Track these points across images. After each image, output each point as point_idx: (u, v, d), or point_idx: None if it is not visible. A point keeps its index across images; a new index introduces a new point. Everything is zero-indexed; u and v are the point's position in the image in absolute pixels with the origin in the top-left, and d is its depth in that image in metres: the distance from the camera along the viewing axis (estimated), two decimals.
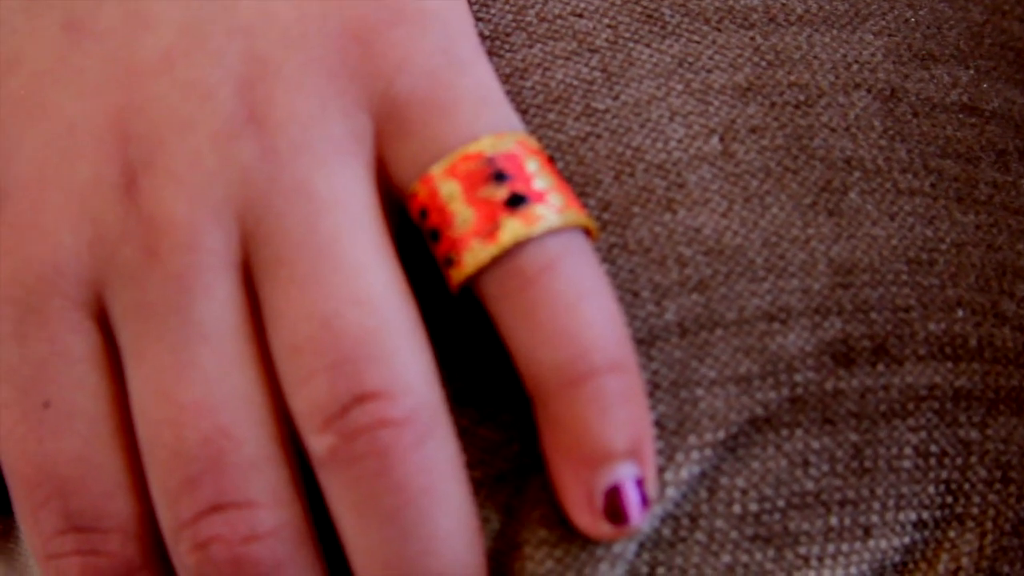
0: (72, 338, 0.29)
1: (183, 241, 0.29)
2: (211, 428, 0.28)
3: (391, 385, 0.28)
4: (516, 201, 0.29)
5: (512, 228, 0.29)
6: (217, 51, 0.30)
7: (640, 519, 0.29)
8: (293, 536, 0.29)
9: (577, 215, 0.29)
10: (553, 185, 0.29)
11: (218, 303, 0.29)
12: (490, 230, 0.29)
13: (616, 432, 0.29)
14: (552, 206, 0.29)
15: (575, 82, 0.34)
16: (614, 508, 0.29)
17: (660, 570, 0.31)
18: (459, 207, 0.29)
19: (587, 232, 0.30)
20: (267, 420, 0.29)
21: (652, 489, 0.29)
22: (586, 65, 0.34)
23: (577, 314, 0.29)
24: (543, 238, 0.29)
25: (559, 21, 0.35)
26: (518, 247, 0.29)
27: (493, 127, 0.30)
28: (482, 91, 0.30)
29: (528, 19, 0.35)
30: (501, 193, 0.29)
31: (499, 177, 0.29)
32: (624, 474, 0.29)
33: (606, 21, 0.35)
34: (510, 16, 0.35)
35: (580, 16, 0.35)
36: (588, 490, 0.29)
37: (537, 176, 0.29)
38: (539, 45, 0.34)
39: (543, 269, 0.29)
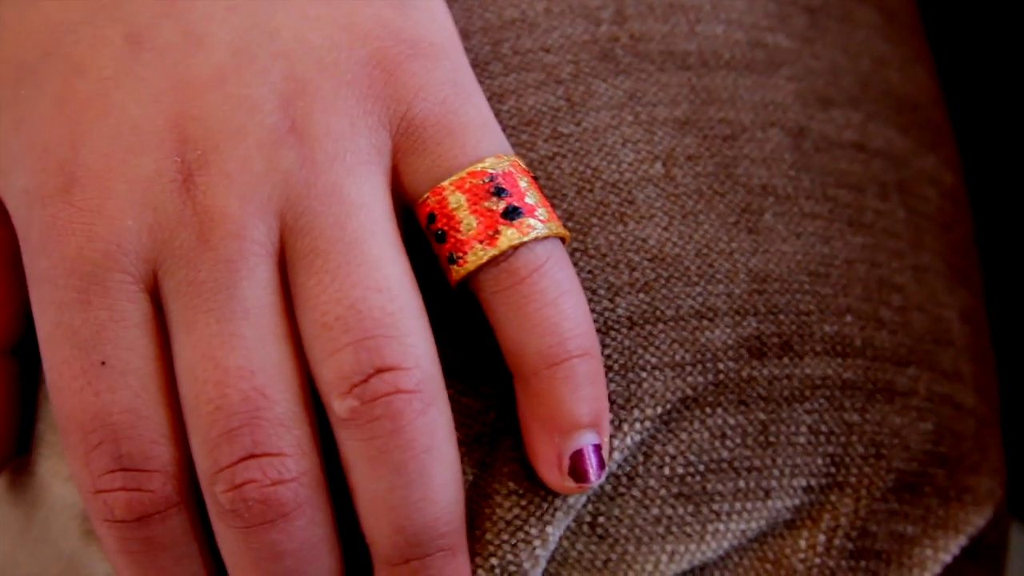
0: (128, 307, 0.32)
1: (232, 231, 0.32)
2: (250, 389, 0.32)
3: (405, 360, 0.31)
4: (512, 213, 0.33)
5: (509, 235, 0.33)
6: (262, 71, 0.33)
7: (597, 479, 0.33)
8: (312, 482, 0.32)
9: (558, 227, 0.33)
10: (540, 201, 0.33)
11: (259, 285, 0.32)
12: (490, 236, 0.33)
13: (583, 407, 0.33)
14: (540, 218, 0.33)
15: (544, 108, 0.37)
16: (577, 469, 0.33)
17: (601, 519, 0.35)
18: (464, 215, 0.33)
19: (562, 240, 0.34)
20: (295, 386, 0.32)
21: (607, 454, 0.34)
22: (553, 94, 0.38)
23: (557, 308, 0.33)
24: (533, 244, 0.33)
25: (530, 55, 0.38)
26: (512, 251, 0.33)
27: (493, 150, 0.33)
28: (483, 118, 0.34)
29: (503, 51, 0.38)
30: (500, 206, 0.33)
31: (499, 192, 0.33)
32: (587, 441, 0.33)
33: (569, 57, 0.38)
34: (488, 48, 0.38)
35: (547, 52, 0.38)
36: (558, 453, 0.33)
37: (528, 193, 0.33)
38: (513, 75, 0.38)
39: (532, 270, 0.33)
